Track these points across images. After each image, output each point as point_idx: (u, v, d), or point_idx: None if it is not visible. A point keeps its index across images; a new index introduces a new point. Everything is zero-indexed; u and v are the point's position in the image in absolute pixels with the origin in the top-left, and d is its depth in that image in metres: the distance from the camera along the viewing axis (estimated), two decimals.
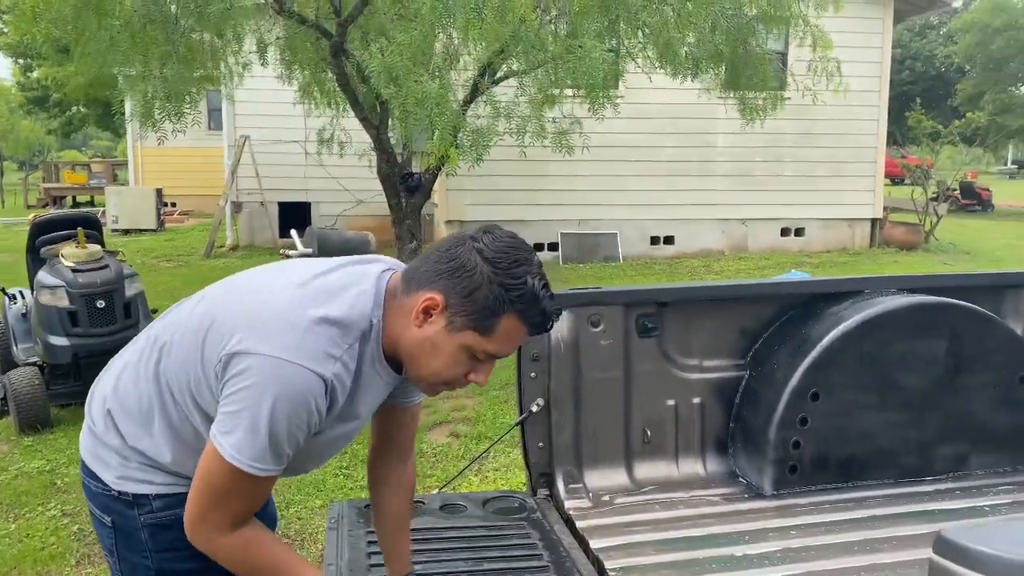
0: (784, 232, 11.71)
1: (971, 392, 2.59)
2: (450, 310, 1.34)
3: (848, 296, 2.63)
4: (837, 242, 11.82)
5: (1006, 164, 40.19)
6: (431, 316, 1.36)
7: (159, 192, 14.76)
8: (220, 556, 1.40)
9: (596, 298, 2.54)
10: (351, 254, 1.56)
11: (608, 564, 2.05)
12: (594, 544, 2.16)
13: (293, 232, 9.23)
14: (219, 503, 1.35)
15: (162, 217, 14.72)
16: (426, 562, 1.99)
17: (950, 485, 2.55)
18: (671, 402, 2.61)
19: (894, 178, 17.25)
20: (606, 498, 2.48)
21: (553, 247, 10.77)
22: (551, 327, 1.43)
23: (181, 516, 1.39)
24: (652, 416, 2.59)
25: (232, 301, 1.43)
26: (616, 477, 2.56)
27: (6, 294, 5.32)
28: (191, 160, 16.38)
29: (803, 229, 11.74)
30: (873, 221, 11.95)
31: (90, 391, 1.58)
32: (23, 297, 5.20)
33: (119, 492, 1.46)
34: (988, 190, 20.37)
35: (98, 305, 4.68)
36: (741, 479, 2.57)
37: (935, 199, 12.91)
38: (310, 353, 1.31)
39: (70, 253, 4.80)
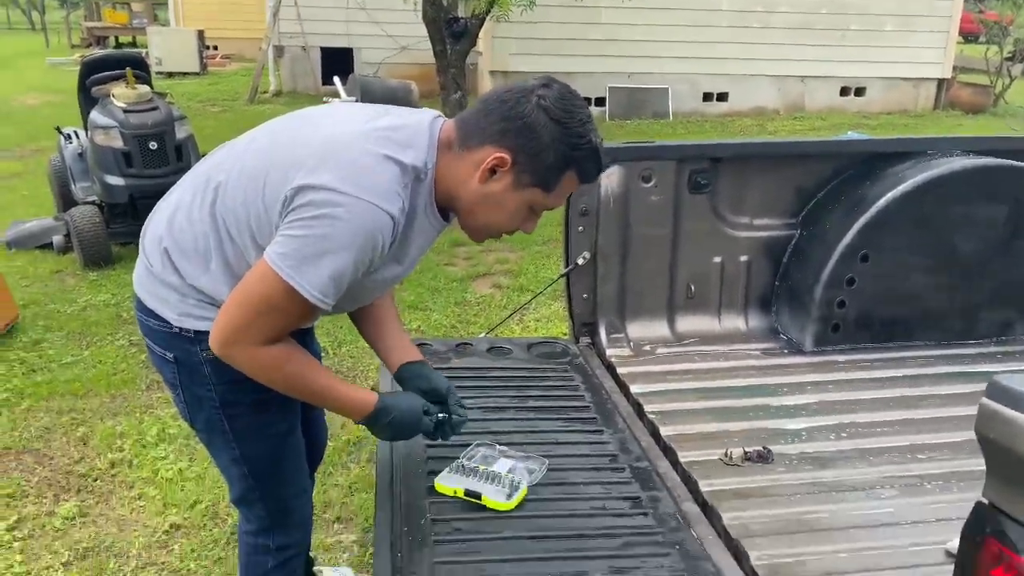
0: (844, 91, 11.18)
1: None
2: (517, 168, 1.37)
3: (910, 156, 2.56)
4: (898, 103, 11.28)
5: None
6: (496, 173, 1.38)
7: (201, 34, 14.47)
8: (252, 367, 1.42)
9: (649, 152, 2.51)
10: (394, 103, 1.55)
11: (648, 407, 2.15)
12: (634, 389, 2.26)
13: (336, 79, 9.06)
14: (263, 318, 1.36)
15: (204, 60, 14.51)
16: (474, 397, 2.10)
17: (993, 349, 2.57)
18: (718, 259, 2.63)
19: (968, 35, 16.13)
20: (647, 348, 2.56)
21: (600, 102, 10.44)
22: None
23: None
24: (697, 272, 2.62)
25: (291, 140, 1.42)
26: (658, 329, 2.62)
27: (61, 133, 5.40)
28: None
29: (864, 89, 11.20)
30: (940, 81, 11.33)
31: (142, 232, 1.59)
32: (78, 137, 5.27)
33: (180, 328, 1.49)
34: None
35: (151, 147, 4.75)
36: (782, 335, 2.62)
37: (1010, 59, 12.10)
38: (381, 191, 1.32)
39: (121, 93, 4.82)
